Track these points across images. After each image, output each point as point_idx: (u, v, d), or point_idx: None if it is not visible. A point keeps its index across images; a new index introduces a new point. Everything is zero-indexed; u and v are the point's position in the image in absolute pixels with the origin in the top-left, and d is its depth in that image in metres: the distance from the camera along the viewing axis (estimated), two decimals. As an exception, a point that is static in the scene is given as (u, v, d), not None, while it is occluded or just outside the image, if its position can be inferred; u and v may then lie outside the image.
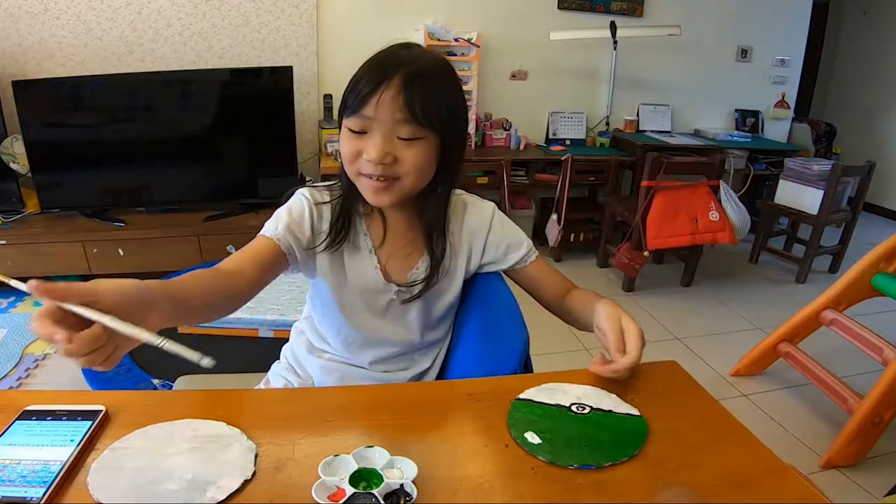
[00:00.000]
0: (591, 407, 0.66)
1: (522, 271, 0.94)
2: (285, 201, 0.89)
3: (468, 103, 3.17)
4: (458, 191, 0.93)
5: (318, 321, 0.98)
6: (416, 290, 0.89)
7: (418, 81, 0.74)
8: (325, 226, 0.87)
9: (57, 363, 2.07)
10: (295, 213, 0.86)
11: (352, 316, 0.92)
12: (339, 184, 0.89)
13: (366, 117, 0.76)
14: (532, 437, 0.60)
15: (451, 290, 0.94)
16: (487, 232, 0.92)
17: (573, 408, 0.66)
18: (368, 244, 0.90)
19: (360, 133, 0.77)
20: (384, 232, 0.89)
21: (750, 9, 3.70)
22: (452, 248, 0.91)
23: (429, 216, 0.87)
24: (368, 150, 0.76)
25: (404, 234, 0.90)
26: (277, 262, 0.83)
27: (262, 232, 0.85)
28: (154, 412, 0.63)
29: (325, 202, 0.88)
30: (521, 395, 0.68)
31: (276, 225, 0.84)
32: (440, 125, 0.77)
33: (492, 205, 0.95)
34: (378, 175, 0.77)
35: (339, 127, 0.81)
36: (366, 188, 0.81)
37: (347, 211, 0.88)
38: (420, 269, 0.90)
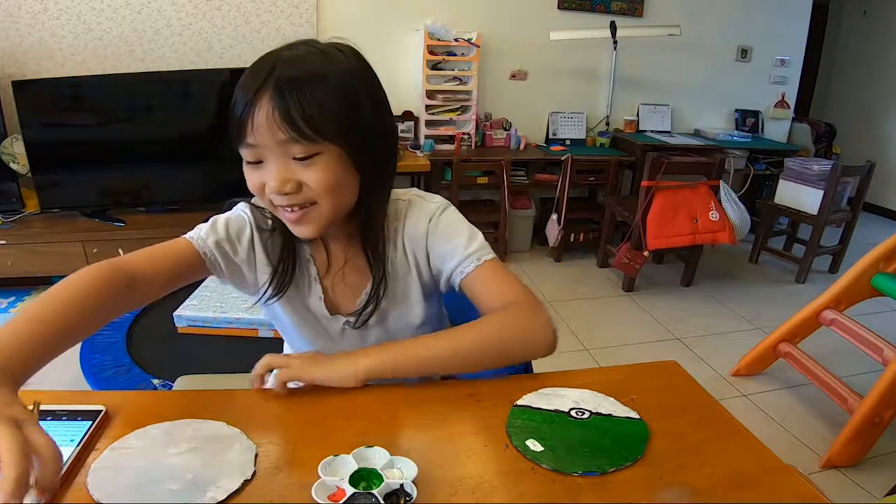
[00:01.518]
0: (590, 411, 0.66)
1: (461, 285, 0.79)
2: (226, 210, 0.82)
3: (469, 104, 3.18)
4: (406, 192, 0.83)
5: (286, 340, 0.93)
6: (363, 319, 0.81)
7: (291, 88, 0.63)
8: (261, 256, 0.79)
9: (57, 363, 2.06)
10: (232, 230, 0.78)
11: (311, 340, 0.86)
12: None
13: (251, 145, 0.66)
14: (534, 445, 0.60)
15: (412, 311, 0.84)
16: (426, 240, 0.80)
17: (572, 413, 0.66)
18: (312, 272, 0.81)
19: (257, 163, 0.68)
20: (328, 262, 0.81)
21: (750, 9, 3.70)
22: (396, 265, 0.81)
23: (365, 237, 0.78)
24: (268, 181, 0.67)
25: (347, 260, 0.81)
26: (194, 272, 0.76)
27: (187, 236, 0.77)
28: (154, 412, 0.63)
29: (266, 230, 0.80)
30: (519, 402, 0.67)
31: (206, 234, 0.76)
32: (339, 133, 0.66)
33: (434, 205, 0.81)
34: (289, 205, 0.69)
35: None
36: (286, 221, 0.72)
37: (290, 244, 0.79)
38: (365, 295, 0.81)
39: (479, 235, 0.80)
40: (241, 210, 0.81)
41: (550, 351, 0.73)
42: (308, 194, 0.68)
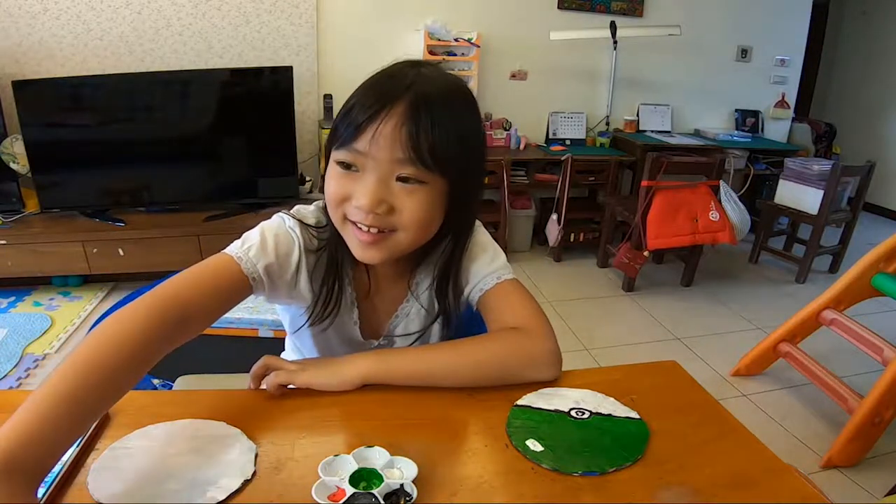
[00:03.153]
0: (590, 411, 0.66)
1: (479, 302, 0.78)
2: (271, 221, 0.75)
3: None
4: None
5: (292, 345, 0.92)
6: (394, 340, 0.81)
7: (427, 111, 0.60)
8: (304, 277, 0.74)
9: (57, 363, 2.07)
10: (282, 251, 0.71)
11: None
12: (327, 227, 0.74)
13: (358, 152, 0.62)
14: (534, 445, 0.60)
15: (432, 337, 0.83)
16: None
17: (572, 413, 0.66)
18: (351, 295, 0.78)
19: (351, 170, 0.63)
20: (369, 284, 0.78)
21: (750, 9, 3.70)
22: (423, 290, 0.80)
23: (431, 269, 0.77)
24: (358, 194, 0.63)
25: (391, 285, 0.79)
26: (241, 296, 0.69)
27: (233, 255, 0.68)
28: (154, 412, 0.63)
29: (314, 250, 0.75)
30: (519, 402, 0.67)
31: (256, 257, 0.69)
32: (452, 167, 0.63)
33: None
34: (369, 226, 0.64)
35: (327, 159, 0.66)
36: (352, 239, 0.67)
37: (335, 267, 0.74)
38: (400, 315, 0.81)
39: (502, 254, 0.80)
40: (290, 228, 0.73)
41: (552, 377, 0.71)
42: (393, 221, 0.64)
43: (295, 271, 0.73)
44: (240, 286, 0.68)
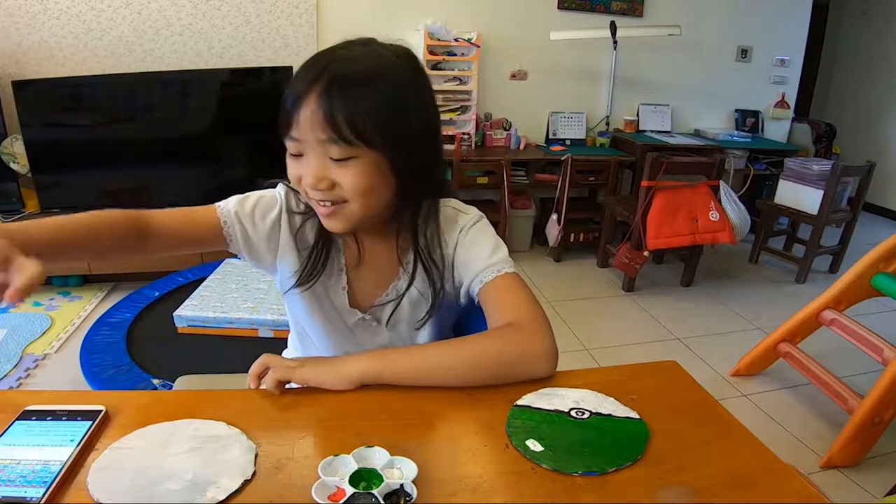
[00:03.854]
0: (590, 412, 0.66)
1: (479, 296, 0.79)
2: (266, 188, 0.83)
3: (469, 104, 3.18)
4: (445, 203, 0.83)
5: (296, 332, 0.94)
6: (380, 316, 0.84)
7: (339, 89, 0.64)
8: (286, 238, 0.80)
9: (57, 363, 2.07)
10: (259, 207, 0.80)
11: (324, 330, 0.86)
12: None
13: (294, 139, 0.68)
14: (533, 445, 0.60)
15: (430, 319, 0.84)
16: (454, 250, 0.82)
17: (572, 413, 0.66)
18: (341, 262, 0.83)
19: (298, 156, 0.70)
20: (359, 254, 0.82)
21: (750, 9, 3.70)
22: (429, 270, 0.81)
23: (402, 238, 0.79)
24: (305, 175, 0.69)
25: (381, 258, 0.82)
26: (211, 240, 0.78)
27: (217, 203, 0.80)
28: (154, 412, 0.63)
29: (297, 213, 0.81)
30: (519, 402, 0.67)
31: (232, 206, 0.79)
32: (377, 139, 0.66)
33: (467, 216, 0.82)
34: (321, 200, 0.71)
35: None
36: (318, 213, 0.74)
37: (324, 232, 0.79)
38: (390, 294, 0.83)
39: (504, 248, 0.81)
40: (276, 192, 0.82)
41: (548, 374, 0.72)
42: (340, 193, 0.70)
43: (273, 226, 0.80)
44: (210, 228, 0.77)
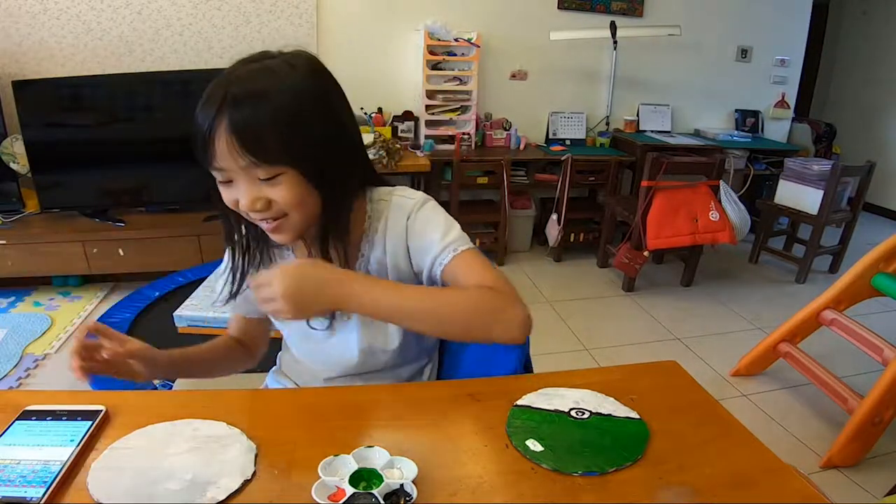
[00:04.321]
0: (590, 412, 0.66)
1: (442, 278, 0.78)
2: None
3: (469, 104, 3.18)
4: (390, 191, 0.83)
5: (289, 344, 0.97)
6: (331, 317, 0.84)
7: (242, 115, 0.65)
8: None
9: (57, 363, 2.07)
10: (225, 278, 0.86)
11: (297, 335, 0.90)
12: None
13: (218, 169, 0.70)
14: (534, 445, 0.60)
15: None
16: (405, 237, 0.80)
17: (572, 413, 0.66)
18: None
19: (228, 182, 0.71)
20: (308, 253, 0.84)
21: (750, 9, 3.70)
22: (376, 265, 0.82)
23: (328, 242, 0.79)
24: (240, 199, 0.71)
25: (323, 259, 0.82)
26: (259, 322, 0.95)
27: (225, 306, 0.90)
28: (154, 412, 0.63)
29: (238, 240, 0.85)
30: (519, 402, 0.67)
31: (229, 314, 0.94)
32: (291, 155, 0.68)
33: (412, 201, 0.81)
34: (263, 218, 0.73)
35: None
36: (265, 229, 0.76)
37: (262, 249, 0.84)
38: None
39: (456, 227, 0.80)
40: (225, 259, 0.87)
41: (524, 334, 0.71)
42: (278, 209, 0.71)
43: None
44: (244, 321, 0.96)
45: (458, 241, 0.78)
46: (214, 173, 0.71)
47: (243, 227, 0.82)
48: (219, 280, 0.88)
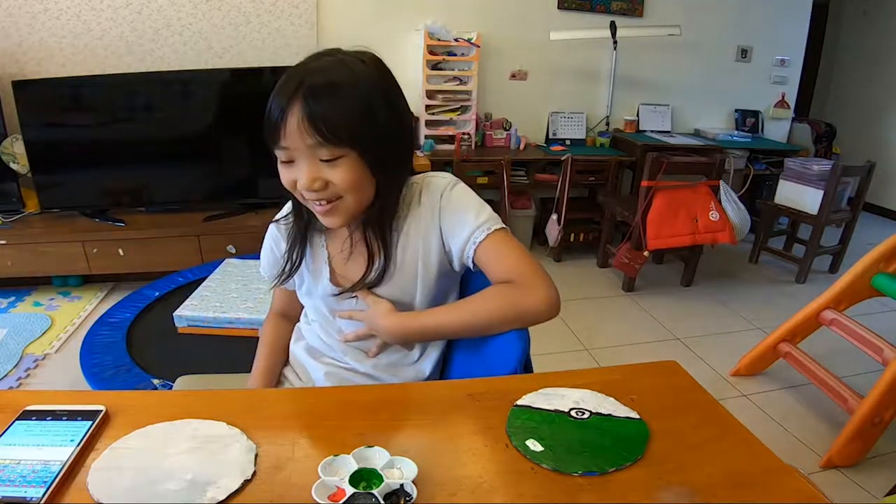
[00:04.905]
0: (590, 412, 0.66)
1: (475, 259, 0.84)
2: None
3: (469, 104, 3.18)
4: (422, 175, 0.89)
5: (316, 327, 1.00)
6: (359, 287, 0.88)
7: (317, 99, 0.71)
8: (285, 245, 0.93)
9: (57, 363, 2.07)
10: (274, 257, 0.97)
11: (321, 313, 0.96)
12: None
13: (284, 148, 0.75)
14: (534, 445, 0.60)
15: (412, 290, 0.88)
16: (439, 215, 0.85)
17: (572, 413, 0.66)
18: (325, 255, 0.91)
19: (289, 162, 0.77)
20: (343, 243, 0.89)
21: (750, 9, 3.70)
22: (408, 244, 0.86)
23: (376, 226, 0.85)
24: (300, 179, 0.76)
25: (356, 243, 0.88)
26: (296, 295, 1.01)
27: (270, 287, 1.01)
28: (154, 412, 0.63)
29: (285, 225, 0.94)
30: (520, 402, 0.67)
31: (269, 274, 0.98)
32: (357, 139, 0.74)
33: (444, 180, 0.87)
34: (318, 199, 0.78)
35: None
36: (316, 212, 0.81)
37: (303, 235, 0.91)
38: (372, 274, 0.87)
39: (488, 207, 0.85)
40: (270, 235, 0.98)
41: (551, 311, 0.81)
42: (334, 190, 0.77)
43: (279, 257, 0.94)
44: (289, 292, 1.02)
45: (491, 221, 0.83)
46: (278, 152, 0.76)
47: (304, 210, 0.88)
48: (265, 261, 0.98)
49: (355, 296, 0.89)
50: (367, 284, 0.87)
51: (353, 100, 0.73)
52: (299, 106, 0.71)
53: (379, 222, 0.84)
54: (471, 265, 0.85)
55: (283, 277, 0.93)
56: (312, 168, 0.75)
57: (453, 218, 0.84)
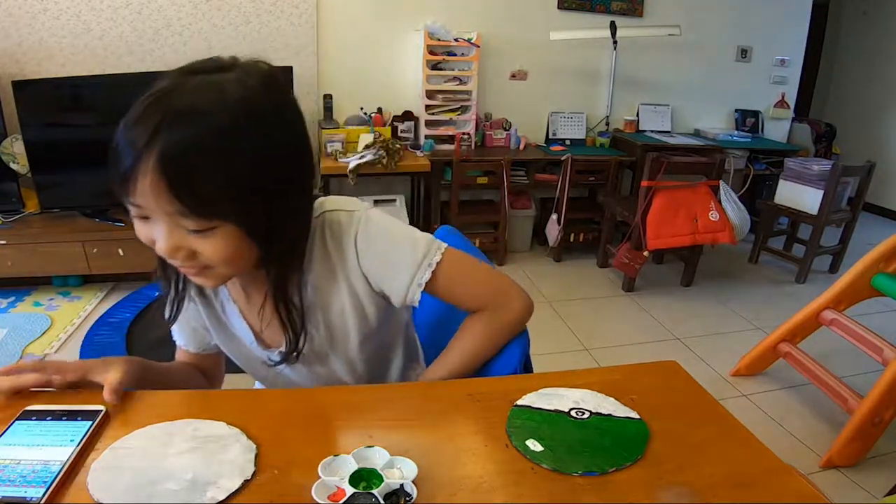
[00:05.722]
0: (590, 412, 0.66)
1: (427, 293, 0.73)
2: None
3: (469, 104, 3.18)
4: (317, 208, 0.72)
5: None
6: (291, 361, 0.75)
7: (179, 155, 0.53)
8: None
9: (57, 363, 2.07)
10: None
11: (254, 372, 0.87)
12: None
13: (135, 204, 0.57)
14: (534, 445, 0.60)
15: (349, 341, 0.77)
16: (357, 263, 0.71)
17: (572, 413, 0.66)
18: (235, 309, 0.77)
19: (144, 218, 0.59)
20: (246, 298, 0.76)
21: (750, 9, 3.70)
22: (321, 304, 0.73)
23: (272, 286, 0.68)
24: (158, 241, 0.59)
25: (268, 296, 0.71)
26: (215, 352, 0.88)
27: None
28: (154, 412, 0.63)
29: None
30: (520, 402, 0.67)
31: (180, 341, 0.88)
32: (233, 208, 0.57)
33: (348, 219, 0.71)
34: (183, 266, 0.62)
35: None
36: (186, 275, 0.65)
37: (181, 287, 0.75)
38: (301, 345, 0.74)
39: (417, 233, 0.73)
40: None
41: (527, 318, 0.80)
42: (202, 261, 0.61)
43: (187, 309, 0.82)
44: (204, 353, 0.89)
45: (431, 251, 0.71)
46: (129, 206, 0.58)
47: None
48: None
49: (272, 358, 0.77)
50: (289, 354, 0.73)
51: (228, 154, 0.55)
52: (154, 162, 0.53)
53: (281, 290, 0.68)
54: (417, 304, 0.73)
55: (173, 313, 0.75)
56: (174, 234, 0.58)
57: (382, 261, 0.71)
